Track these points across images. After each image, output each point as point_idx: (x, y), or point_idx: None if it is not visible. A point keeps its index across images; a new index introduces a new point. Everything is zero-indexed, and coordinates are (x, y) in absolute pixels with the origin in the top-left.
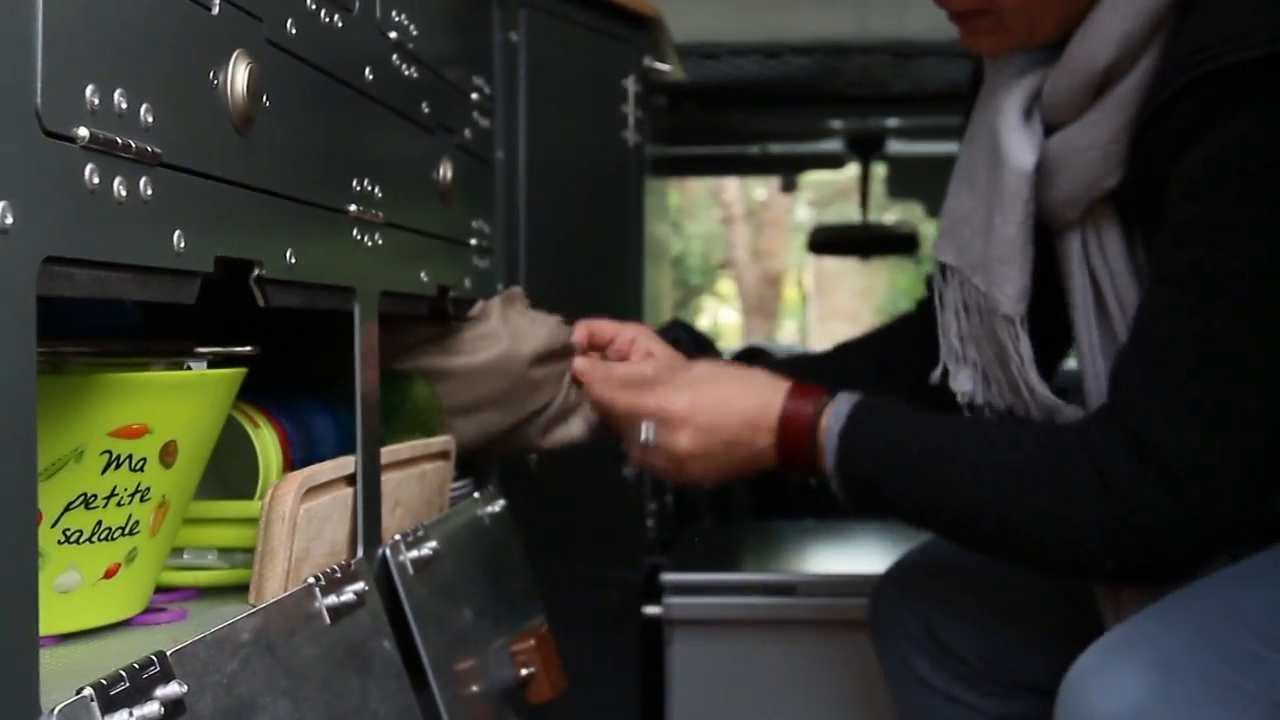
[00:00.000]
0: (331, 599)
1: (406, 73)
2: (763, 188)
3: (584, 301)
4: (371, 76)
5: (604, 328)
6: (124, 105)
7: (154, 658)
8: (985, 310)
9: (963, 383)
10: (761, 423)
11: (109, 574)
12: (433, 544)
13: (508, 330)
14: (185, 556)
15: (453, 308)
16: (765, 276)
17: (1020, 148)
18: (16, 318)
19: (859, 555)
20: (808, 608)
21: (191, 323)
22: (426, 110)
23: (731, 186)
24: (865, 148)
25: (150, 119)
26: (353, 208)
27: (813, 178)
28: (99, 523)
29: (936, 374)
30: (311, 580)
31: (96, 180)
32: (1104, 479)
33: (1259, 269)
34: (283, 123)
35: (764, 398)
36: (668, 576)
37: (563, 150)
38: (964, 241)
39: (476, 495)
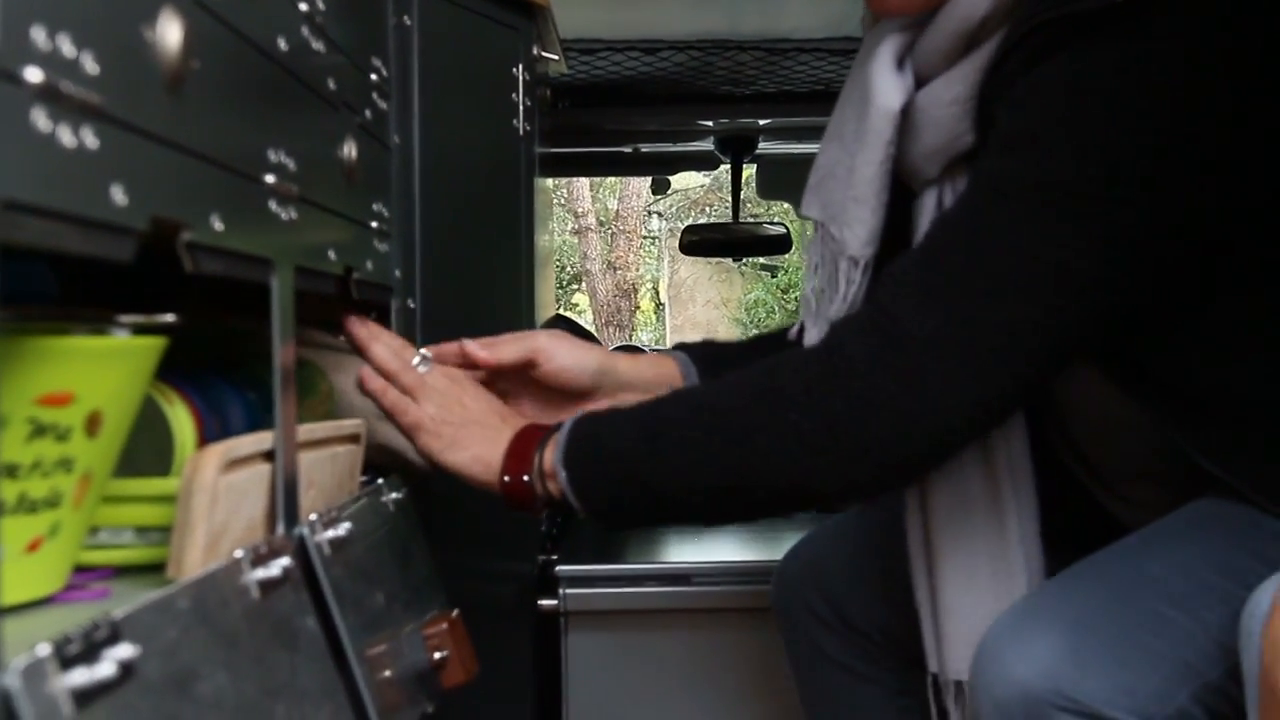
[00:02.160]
0: (259, 573)
1: (315, 46)
2: (614, 199)
3: (478, 286)
4: (285, 47)
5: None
6: (69, 51)
7: (101, 620)
8: (835, 255)
9: (812, 338)
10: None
11: (32, 547)
12: (347, 525)
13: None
14: (101, 535)
15: (356, 290)
16: (620, 288)
17: (888, 89)
18: None
19: (749, 543)
20: (703, 596)
21: (101, 299)
22: (332, 87)
23: (585, 196)
24: (737, 148)
25: (95, 68)
26: (269, 178)
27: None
28: (23, 494)
29: (794, 331)
30: (240, 554)
31: (47, 126)
32: (835, 360)
33: (1051, 181)
34: (210, 85)
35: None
36: (563, 568)
37: (456, 136)
38: (827, 193)
39: (380, 481)
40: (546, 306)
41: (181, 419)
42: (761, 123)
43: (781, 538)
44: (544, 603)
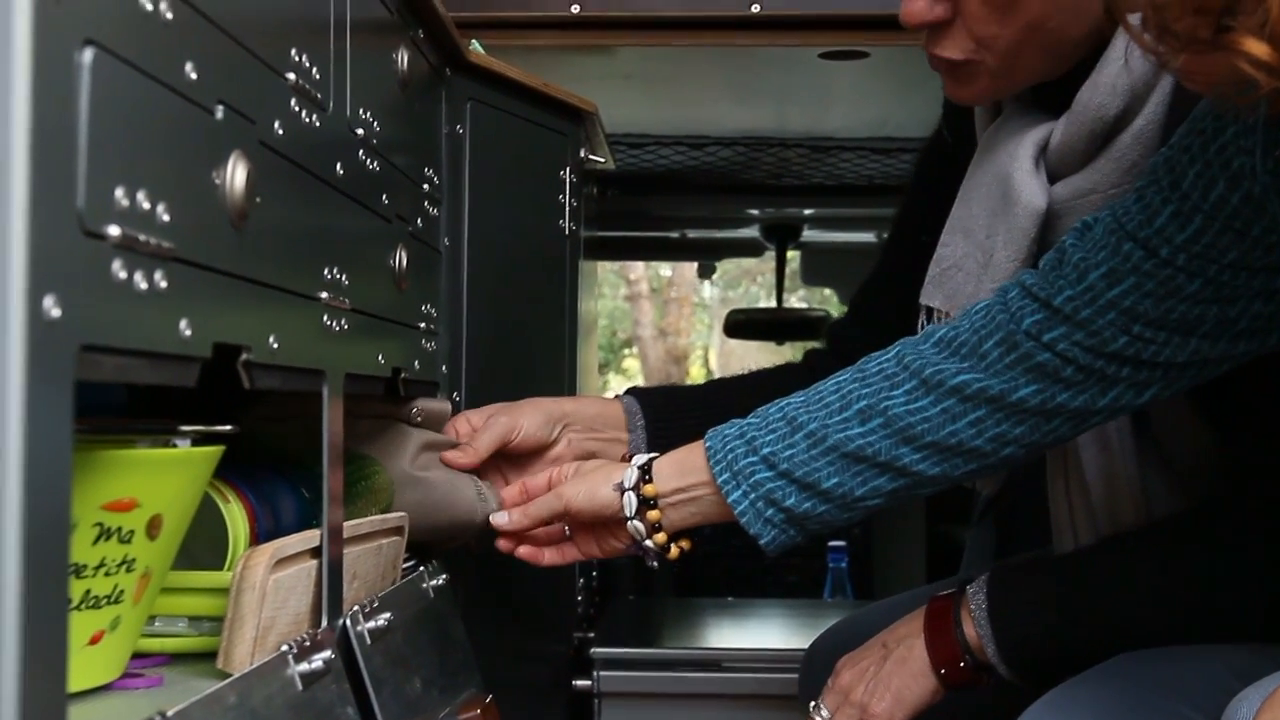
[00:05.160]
0: (303, 666)
1: (370, 166)
2: (668, 267)
3: (522, 377)
4: (342, 171)
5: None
6: (146, 205)
7: (158, 716)
8: None
9: None
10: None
11: (94, 640)
12: (387, 615)
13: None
14: (157, 624)
15: (404, 388)
16: (670, 354)
17: (1034, 189)
18: (58, 403)
19: (779, 631)
20: (733, 682)
21: (162, 401)
22: (385, 201)
23: (638, 264)
24: (781, 235)
25: (166, 217)
26: (324, 295)
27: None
28: (88, 591)
29: None
30: (285, 648)
31: (123, 274)
32: None
33: None
34: (271, 217)
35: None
36: (598, 651)
37: (504, 237)
38: (954, 285)
39: (422, 569)
40: (589, 372)
41: (235, 515)
42: (806, 212)
43: (813, 629)
44: (578, 683)
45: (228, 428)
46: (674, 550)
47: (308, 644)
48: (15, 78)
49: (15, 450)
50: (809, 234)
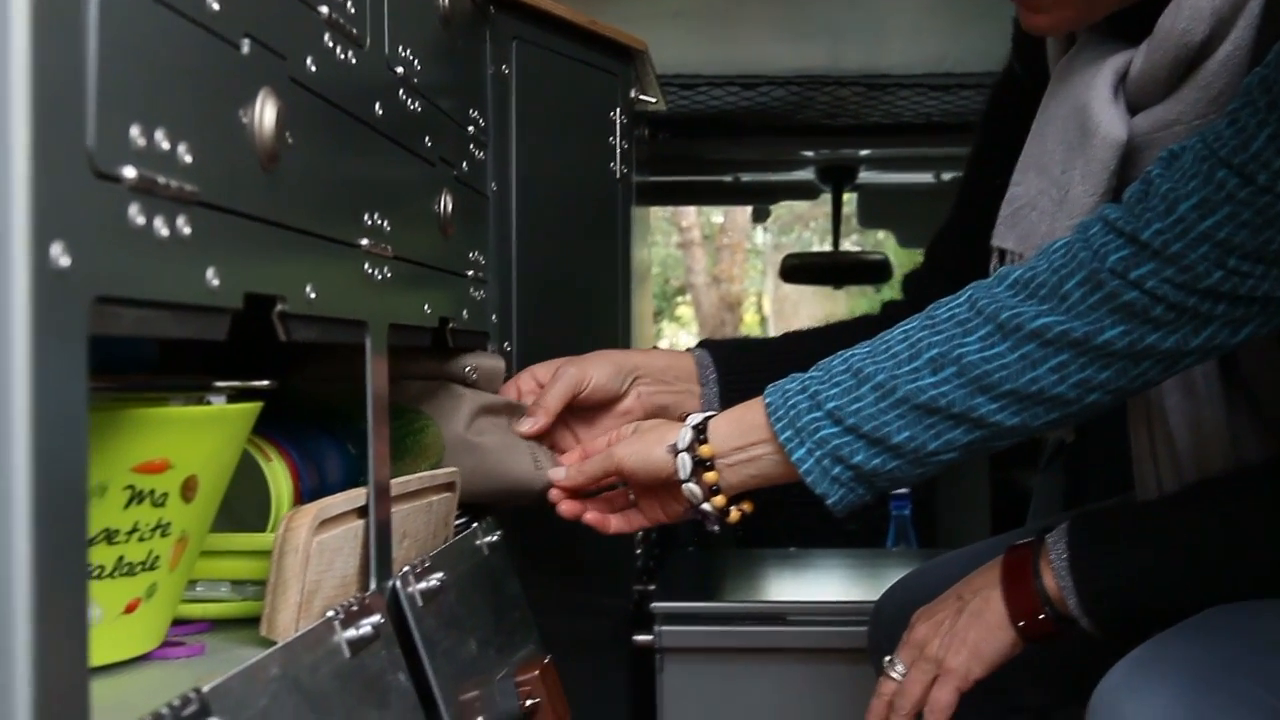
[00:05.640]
0: (350, 632)
1: (411, 107)
2: (720, 213)
3: (575, 326)
4: (381, 111)
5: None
6: (165, 145)
7: (193, 694)
8: None
9: None
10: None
11: (129, 609)
12: (439, 575)
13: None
14: (198, 589)
15: (452, 339)
16: (724, 300)
17: (1114, 119)
18: (69, 359)
19: (844, 582)
20: (799, 636)
21: (199, 355)
22: (429, 144)
23: (690, 211)
24: (837, 177)
25: (188, 158)
26: (364, 242)
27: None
28: (120, 558)
29: None
30: (331, 614)
31: (141, 220)
32: None
33: None
34: (304, 159)
35: None
36: (658, 605)
37: (553, 182)
38: (1029, 225)
39: (475, 526)
40: (643, 320)
41: (278, 474)
42: (862, 153)
43: (878, 579)
44: (639, 638)
45: (265, 383)
46: (734, 514)
47: (355, 608)
48: (15, 4)
49: (22, 410)
50: (866, 175)
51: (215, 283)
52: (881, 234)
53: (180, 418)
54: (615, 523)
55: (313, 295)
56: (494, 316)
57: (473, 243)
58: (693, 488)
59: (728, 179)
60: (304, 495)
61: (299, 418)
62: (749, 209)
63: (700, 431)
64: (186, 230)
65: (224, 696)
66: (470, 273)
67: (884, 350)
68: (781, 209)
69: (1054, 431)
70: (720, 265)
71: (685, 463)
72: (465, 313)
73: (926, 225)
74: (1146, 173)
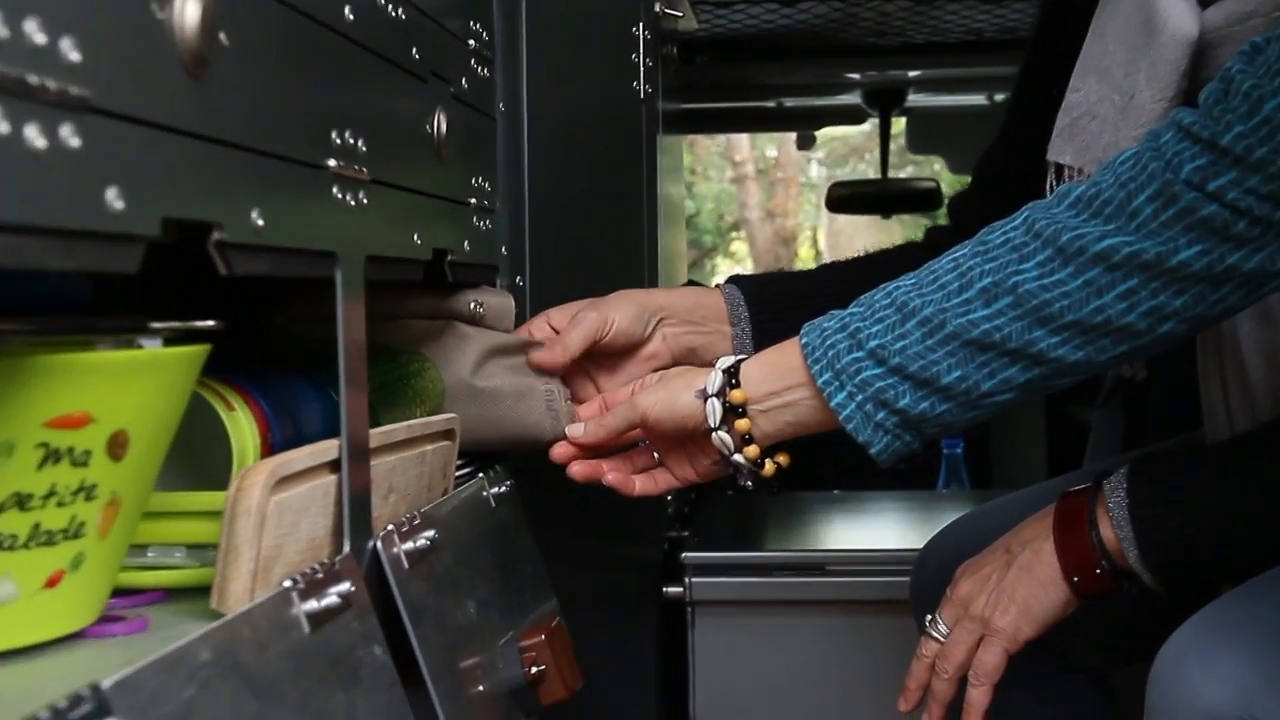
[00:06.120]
0: (311, 604)
1: (392, 14)
2: (774, 146)
3: (595, 260)
4: (352, 17)
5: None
6: (39, 38)
7: (87, 691)
8: None
9: None
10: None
11: (51, 583)
12: (430, 533)
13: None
14: (150, 554)
15: (452, 273)
16: (778, 235)
17: (1183, 14)
18: None
19: (890, 528)
20: (838, 587)
21: (153, 292)
22: (417, 56)
23: (743, 145)
24: (885, 101)
25: (74, 55)
26: (332, 163)
27: (825, 135)
28: (36, 525)
29: None
30: (288, 584)
31: (5, 127)
32: None
33: None
34: (245, 66)
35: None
36: (690, 555)
37: (570, 103)
38: (1089, 136)
39: (481, 476)
40: (675, 259)
41: (241, 425)
42: (911, 75)
43: (927, 525)
44: (669, 590)
45: (209, 323)
46: (769, 467)
47: (320, 576)
48: None
49: None
50: (915, 98)
51: (119, 205)
52: (938, 165)
53: (101, 365)
54: (640, 484)
55: (260, 223)
56: (504, 248)
57: (476, 168)
58: (724, 436)
59: (770, 104)
60: (274, 448)
61: (282, 362)
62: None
63: (731, 375)
64: (74, 142)
65: (132, 691)
66: (473, 201)
67: (931, 281)
68: (836, 141)
69: (1122, 367)
70: (774, 199)
71: (715, 409)
72: (467, 244)
73: (979, 150)
74: (1225, 69)
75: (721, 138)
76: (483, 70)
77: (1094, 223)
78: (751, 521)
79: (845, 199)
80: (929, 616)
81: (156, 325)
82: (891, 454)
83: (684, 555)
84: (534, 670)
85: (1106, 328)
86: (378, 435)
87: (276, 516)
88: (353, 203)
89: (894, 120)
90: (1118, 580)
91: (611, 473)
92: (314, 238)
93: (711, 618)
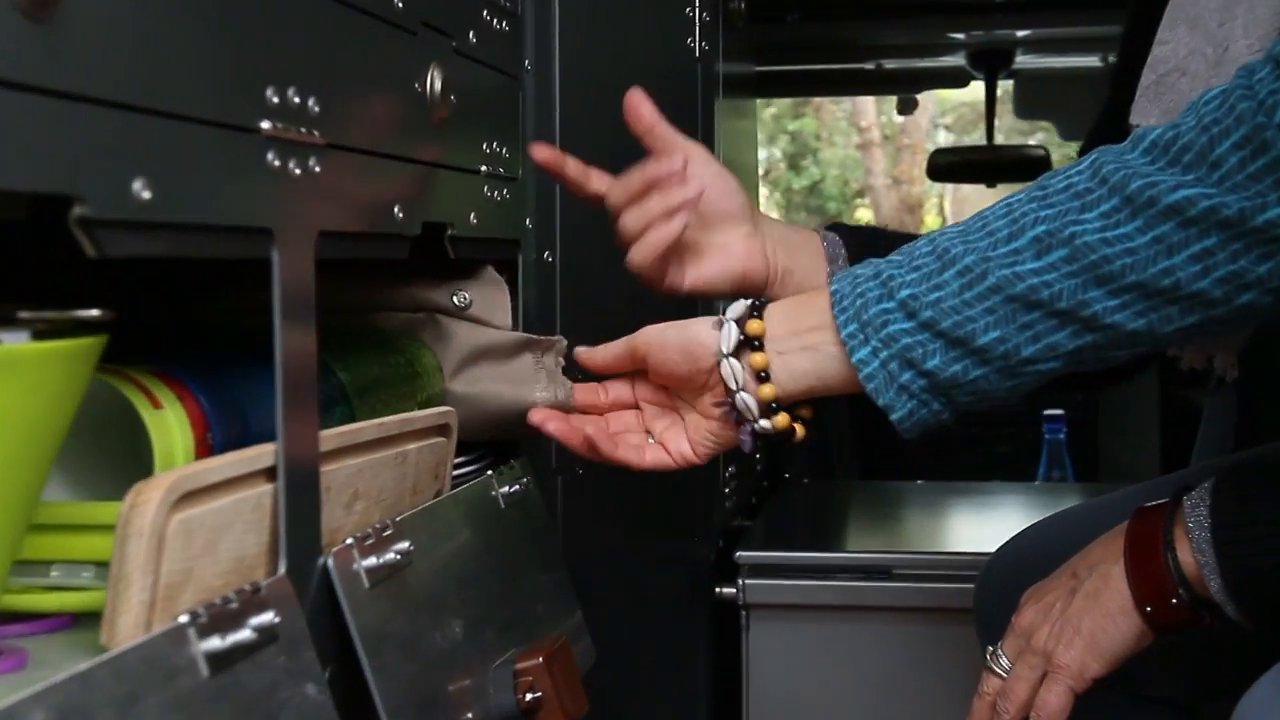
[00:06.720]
0: (213, 641)
1: None
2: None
3: None
4: None
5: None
6: None
7: None
8: None
9: None
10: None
11: None
12: (404, 544)
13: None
14: (53, 574)
15: (455, 249)
16: (904, 203)
17: None
18: None
19: (972, 525)
20: (905, 593)
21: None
22: (400, 5)
23: (869, 110)
24: (991, 62)
25: None
26: (266, 124)
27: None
28: None
29: None
30: (184, 618)
31: None
32: None
33: None
34: (109, 8)
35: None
36: (744, 555)
37: (610, 60)
38: (1177, 95)
39: (490, 474)
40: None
41: (168, 426)
42: (1019, 34)
43: (1017, 523)
44: (722, 591)
45: (93, 312)
46: (783, 418)
47: (233, 605)
48: None
49: None
50: (1023, 59)
51: None
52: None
53: None
54: (624, 452)
55: (145, 195)
56: (528, 220)
57: (489, 133)
58: (733, 364)
59: (869, 66)
60: (215, 449)
61: (249, 349)
62: (929, 108)
63: (756, 309)
64: None
65: None
66: (484, 169)
67: (980, 227)
68: (963, 107)
69: (1193, 343)
70: (900, 166)
71: (730, 334)
72: (473, 217)
73: (1092, 115)
74: None
75: (847, 103)
76: (499, 23)
77: (1170, 170)
78: (826, 513)
79: (949, 166)
80: (990, 649)
81: (25, 315)
82: (916, 423)
83: (738, 554)
84: (529, 697)
85: (1174, 293)
86: (335, 436)
87: (183, 537)
88: (298, 171)
89: (1000, 82)
90: (1197, 612)
91: (591, 426)
92: (237, 212)
93: (767, 622)
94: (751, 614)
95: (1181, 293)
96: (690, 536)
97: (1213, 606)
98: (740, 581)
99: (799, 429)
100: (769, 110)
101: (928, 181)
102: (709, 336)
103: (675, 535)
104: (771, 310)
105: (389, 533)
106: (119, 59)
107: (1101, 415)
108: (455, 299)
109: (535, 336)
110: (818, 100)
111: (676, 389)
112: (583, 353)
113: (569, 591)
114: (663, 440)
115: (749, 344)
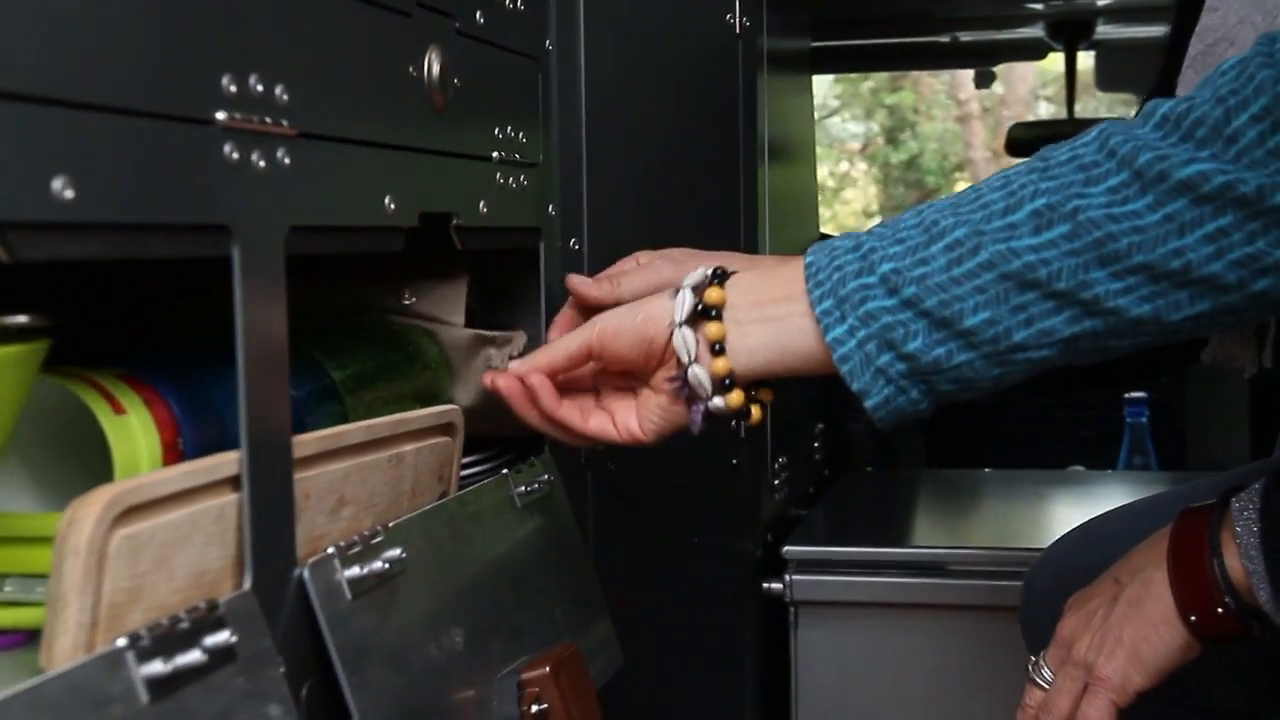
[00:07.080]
0: (154, 666)
1: None
2: (1001, 84)
3: (671, 224)
4: None
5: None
6: None
7: None
8: None
9: None
10: None
11: None
12: (394, 552)
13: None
14: (7, 588)
15: (462, 239)
16: None
17: None
18: None
19: (1037, 520)
20: (959, 590)
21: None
22: None
23: (968, 83)
24: (1070, 33)
25: None
26: (221, 115)
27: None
28: None
29: None
30: (122, 641)
31: None
32: None
33: None
34: None
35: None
36: (791, 549)
37: (639, 38)
38: None
39: (506, 472)
40: (787, 225)
41: (131, 432)
42: (1100, 3)
43: (1095, 507)
44: (770, 586)
45: (20, 319)
46: (736, 395)
47: (183, 625)
48: None
49: None
50: (1103, 29)
51: None
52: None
53: None
54: (566, 410)
55: (68, 194)
56: (551, 207)
57: (501, 117)
58: (686, 335)
59: (944, 39)
60: (185, 455)
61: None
62: (1029, 79)
63: (719, 277)
64: None
65: None
66: (496, 155)
67: (973, 199)
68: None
69: (1204, 333)
70: (1000, 139)
71: (685, 301)
72: (483, 205)
73: None
74: None
75: (945, 75)
76: (514, 2)
77: (1184, 145)
78: (884, 504)
79: (1028, 141)
80: (1032, 658)
81: None
82: (891, 411)
83: (785, 549)
84: (534, 709)
85: (1185, 276)
86: (315, 441)
87: (128, 554)
88: (262, 163)
89: (1081, 54)
90: (1246, 621)
91: (535, 374)
92: (186, 209)
93: (816, 618)
94: (800, 611)
95: (1192, 276)
96: (734, 530)
97: (1262, 616)
98: (787, 577)
99: (755, 411)
100: (866, 84)
101: None
102: (665, 307)
103: (718, 530)
104: (736, 279)
105: (378, 540)
106: (30, 46)
107: (1188, 398)
108: (405, 298)
109: (492, 333)
110: (915, 73)
111: (635, 372)
112: (524, 367)
113: (594, 595)
114: (611, 412)
115: (706, 313)
